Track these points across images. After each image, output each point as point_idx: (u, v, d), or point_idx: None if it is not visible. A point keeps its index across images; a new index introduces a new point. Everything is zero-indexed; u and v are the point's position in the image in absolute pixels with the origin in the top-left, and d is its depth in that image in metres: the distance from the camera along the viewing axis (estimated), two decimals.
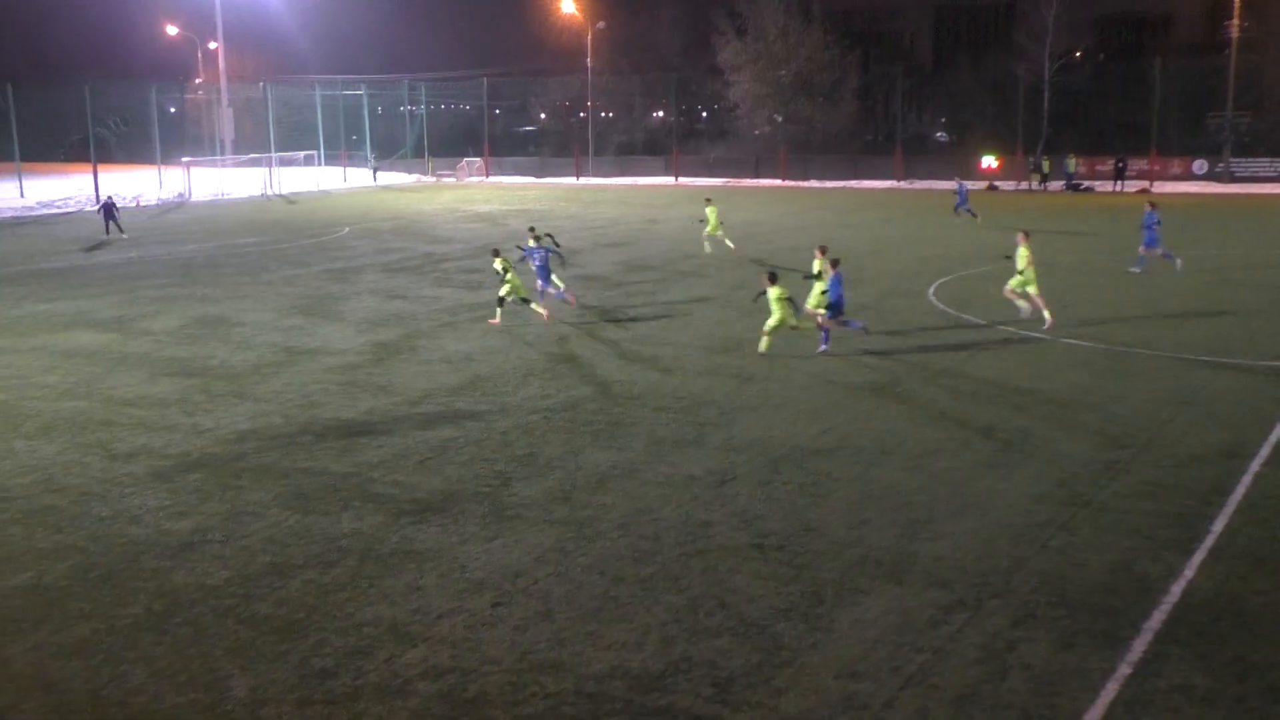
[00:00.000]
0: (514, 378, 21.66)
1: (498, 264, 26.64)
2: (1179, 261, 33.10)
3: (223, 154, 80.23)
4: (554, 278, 28.38)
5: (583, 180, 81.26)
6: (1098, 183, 70.00)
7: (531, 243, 28.13)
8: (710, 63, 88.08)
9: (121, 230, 47.88)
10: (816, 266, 24.21)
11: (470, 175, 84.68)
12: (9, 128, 68.97)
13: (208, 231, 49.50)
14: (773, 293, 22.72)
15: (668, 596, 12.04)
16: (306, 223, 52.01)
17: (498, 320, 26.50)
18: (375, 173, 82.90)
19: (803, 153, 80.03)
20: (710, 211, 39.61)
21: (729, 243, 39.26)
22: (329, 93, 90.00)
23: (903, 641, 10.99)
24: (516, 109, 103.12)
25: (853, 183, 73.70)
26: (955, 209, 50.41)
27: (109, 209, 48.75)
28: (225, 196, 69.14)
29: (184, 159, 72.60)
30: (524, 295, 26.49)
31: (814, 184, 74.08)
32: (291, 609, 11.83)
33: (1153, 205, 33.70)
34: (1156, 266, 33.41)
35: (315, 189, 74.79)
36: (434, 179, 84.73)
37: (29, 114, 74.33)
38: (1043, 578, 12.40)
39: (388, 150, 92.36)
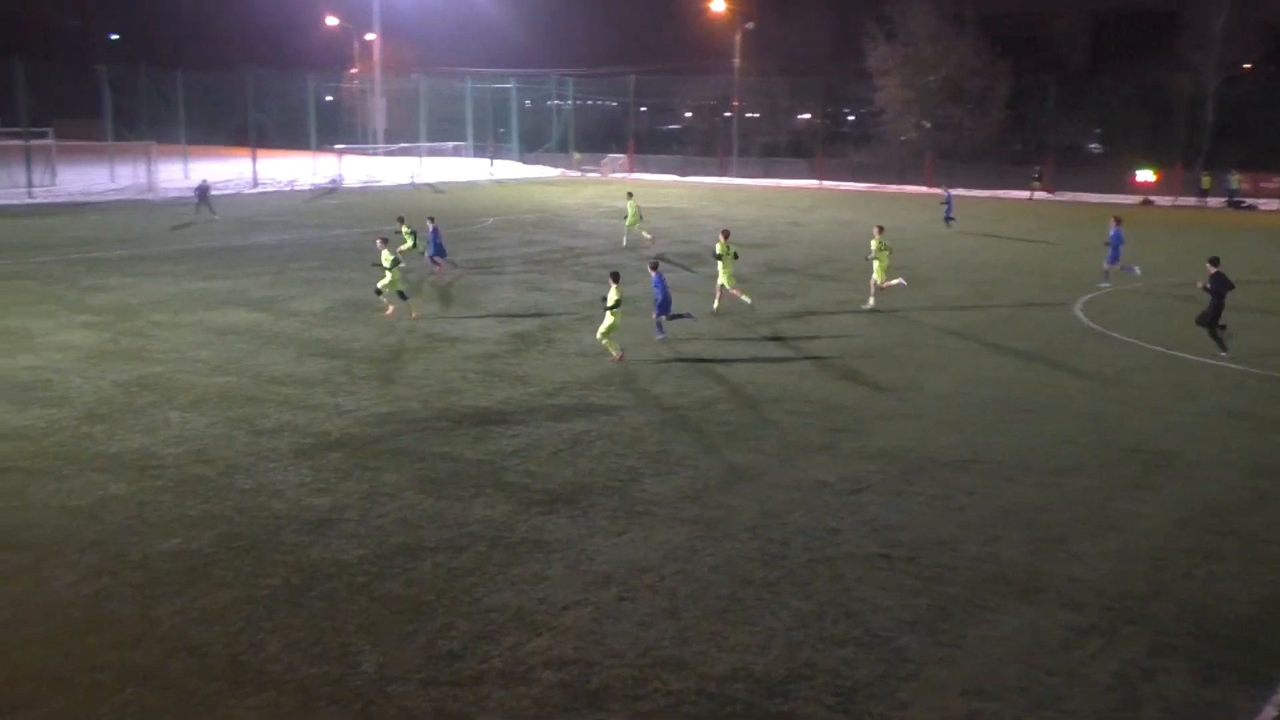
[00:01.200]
0: (648, 374, 21.75)
1: (385, 257, 26.52)
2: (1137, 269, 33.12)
3: (374, 142, 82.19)
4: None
5: (725, 180, 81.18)
6: (1261, 201, 67.34)
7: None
8: (858, 66, 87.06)
9: (213, 212, 49.45)
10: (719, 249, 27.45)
11: (614, 171, 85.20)
12: (177, 113, 71.65)
13: (356, 218, 50.74)
14: (612, 295, 22.31)
15: (794, 602, 11.98)
16: (452, 212, 52.93)
17: (390, 312, 26.95)
18: (492, 163, 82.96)
19: (949, 160, 78.72)
20: (630, 205, 42.11)
21: (645, 234, 41.58)
22: (479, 85, 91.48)
23: (1033, 663, 10.74)
24: (662, 107, 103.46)
25: (1000, 192, 72.20)
26: (945, 219, 49.36)
27: (203, 192, 50.44)
28: (375, 184, 70.80)
29: (337, 146, 74.53)
30: (400, 289, 26.78)
31: (960, 192, 72.82)
32: (421, 590, 12.08)
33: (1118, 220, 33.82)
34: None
35: (461, 179, 76.11)
36: (578, 174, 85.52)
37: (196, 100, 77.10)
38: (1183, 607, 12.00)
39: (533, 144, 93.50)
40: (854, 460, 16.72)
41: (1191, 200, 67.51)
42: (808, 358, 23.41)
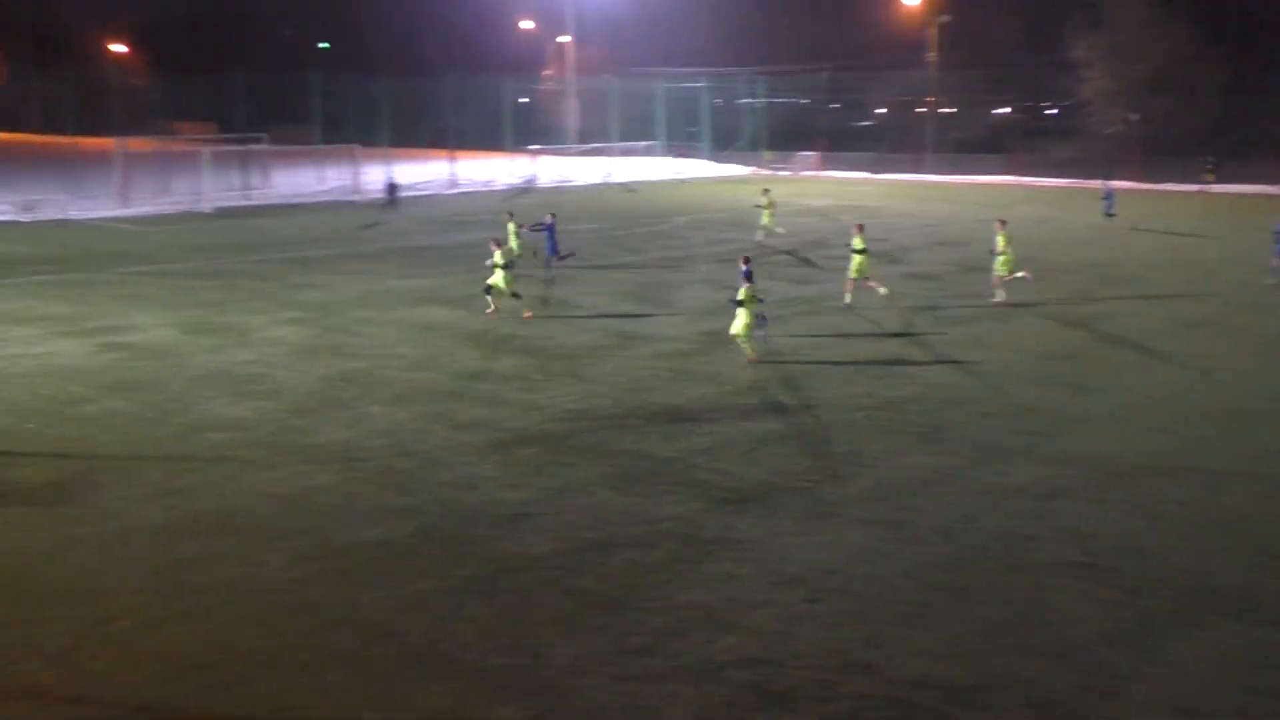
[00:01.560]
0: (839, 374, 21.52)
1: (498, 256, 26.72)
2: None
3: (568, 143, 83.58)
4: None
5: (918, 177, 79.71)
6: None
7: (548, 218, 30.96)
8: (1059, 57, 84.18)
9: (398, 211, 50.88)
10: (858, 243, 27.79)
11: (804, 169, 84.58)
12: (380, 117, 74.29)
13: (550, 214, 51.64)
14: (743, 292, 21.83)
15: (986, 609, 11.69)
16: (643, 211, 53.39)
17: (492, 312, 26.80)
18: (675, 158, 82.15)
19: (1157, 154, 75.46)
20: (766, 201, 41.86)
21: (779, 229, 41.78)
22: (670, 85, 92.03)
23: (1248, 684, 10.22)
24: (853, 103, 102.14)
25: (1213, 186, 68.93)
26: (1106, 214, 47.39)
27: (391, 190, 51.81)
28: (568, 183, 71.95)
29: (532, 146, 76.02)
30: (513, 290, 26.74)
31: (1169, 186, 69.76)
32: (611, 585, 12.22)
33: None
34: None
35: (653, 178, 76.71)
36: (768, 172, 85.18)
37: (398, 104, 79.83)
38: None
39: (724, 143, 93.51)
40: (1051, 465, 16.21)
41: None
42: (1001, 358, 22.79)
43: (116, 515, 14.14)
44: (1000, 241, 28.85)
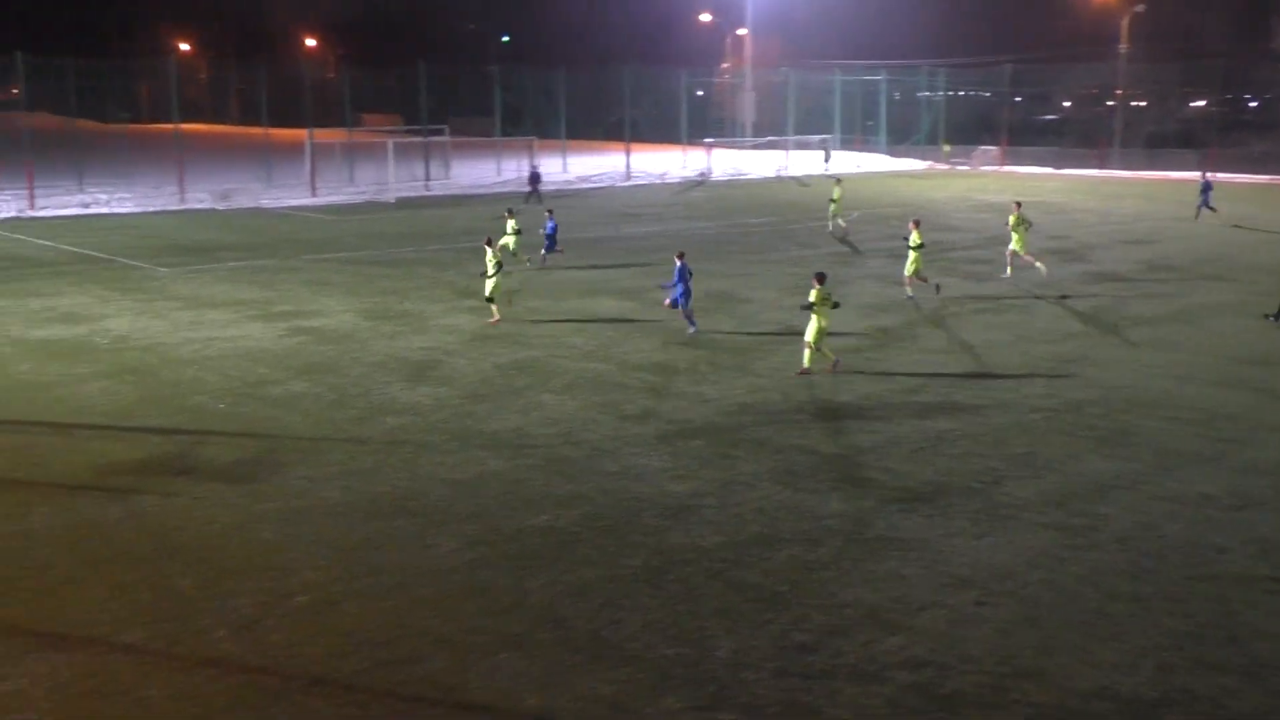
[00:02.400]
0: (1016, 374, 20.97)
1: (490, 259, 25.49)
2: None
3: (742, 136, 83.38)
4: None
5: (1105, 172, 77.05)
6: None
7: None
8: (1264, 47, 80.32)
9: (540, 200, 51.12)
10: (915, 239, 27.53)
11: (985, 164, 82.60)
12: (558, 109, 75.36)
13: (723, 210, 51.62)
14: (814, 295, 20.52)
15: (1168, 621, 11.24)
16: (816, 205, 52.91)
17: (496, 319, 25.41)
18: (828, 157, 79.22)
19: None
20: (836, 192, 42.36)
21: (842, 222, 42.14)
22: (847, 78, 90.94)
23: None
24: (1038, 96, 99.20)
25: None
26: (1200, 208, 45.37)
27: (534, 180, 52.24)
28: (742, 176, 71.79)
29: (706, 140, 76.10)
30: (491, 295, 25.30)
31: None
32: (776, 581, 12.17)
33: None
34: None
35: (827, 172, 75.98)
36: (946, 166, 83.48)
37: (575, 96, 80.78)
38: None
39: (901, 136, 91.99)
40: (1243, 474, 15.49)
41: None
42: (1190, 361, 21.87)
43: (299, 494, 14.69)
44: (1012, 220, 31.35)
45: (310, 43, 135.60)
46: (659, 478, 15.37)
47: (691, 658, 10.53)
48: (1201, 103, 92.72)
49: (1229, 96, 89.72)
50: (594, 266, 33.98)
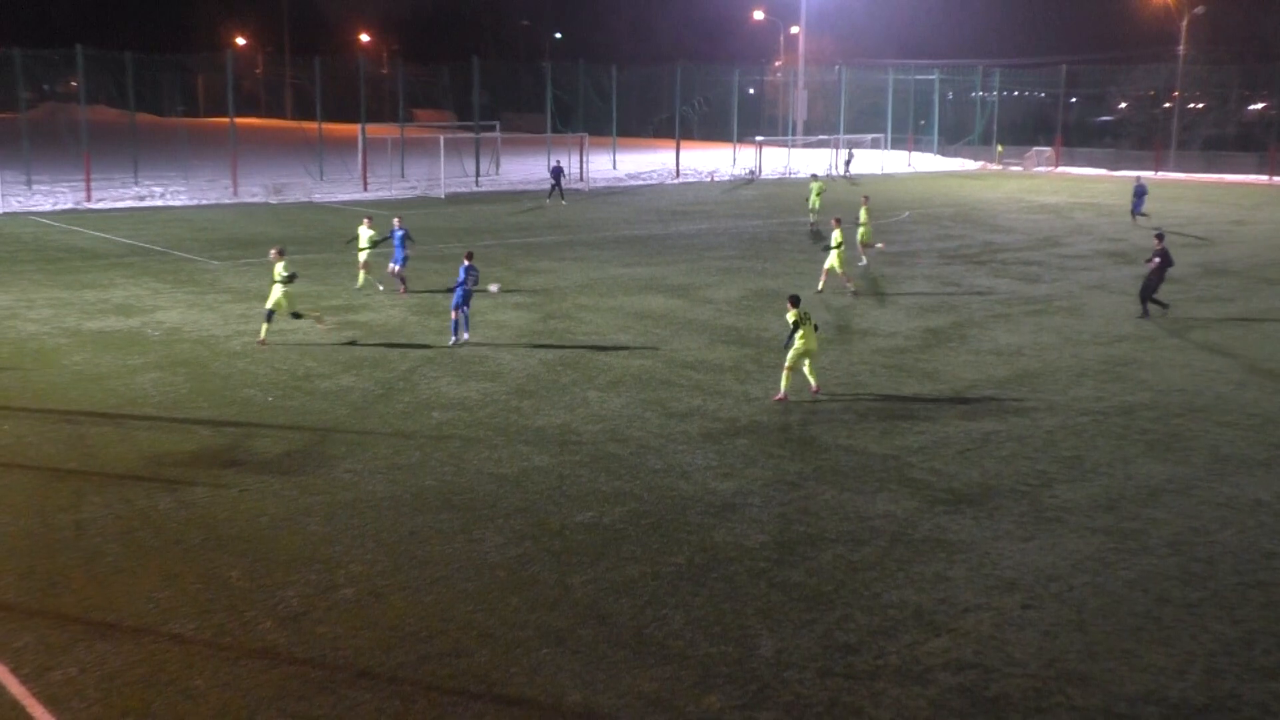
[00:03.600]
0: (1066, 376, 20.77)
1: (278, 272, 22.28)
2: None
3: (794, 134, 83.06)
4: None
5: (1161, 175, 76.08)
6: None
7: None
8: None
9: (563, 197, 51.72)
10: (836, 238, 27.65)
11: (1038, 165, 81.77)
12: (609, 106, 75.45)
13: (773, 208, 51.47)
14: (792, 316, 18.83)
15: (1218, 626, 11.10)
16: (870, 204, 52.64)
17: (262, 339, 22.90)
18: (849, 163, 74.08)
19: None
20: (815, 187, 43.43)
21: (812, 218, 42.89)
22: (901, 77, 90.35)
23: None
24: (1094, 98, 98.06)
25: None
26: (1133, 213, 45.01)
27: (557, 174, 52.65)
28: (792, 174, 71.53)
29: (757, 138, 75.87)
30: (272, 308, 22.36)
31: None
32: (820, 580, 12.13)
33: None
34: None
35: (879, 171, 75.52)
36: (999, 167, 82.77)
37: (627, 94, 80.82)
38: None
39: (954, 136, 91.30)
40: None
41: None
42: (1246, 365, 21.56)
43: (346, 487, 14.82)
44: (862, 214, 33.36)
45: (364, 38, 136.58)
46: (704, 475, 15.36)
47: (734, 656, 10.52)
48: (1260, 105, 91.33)
49: None
50: (642, 264, 33.99)
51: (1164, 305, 26.28)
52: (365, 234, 28.63)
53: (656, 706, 9.72)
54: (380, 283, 28.83)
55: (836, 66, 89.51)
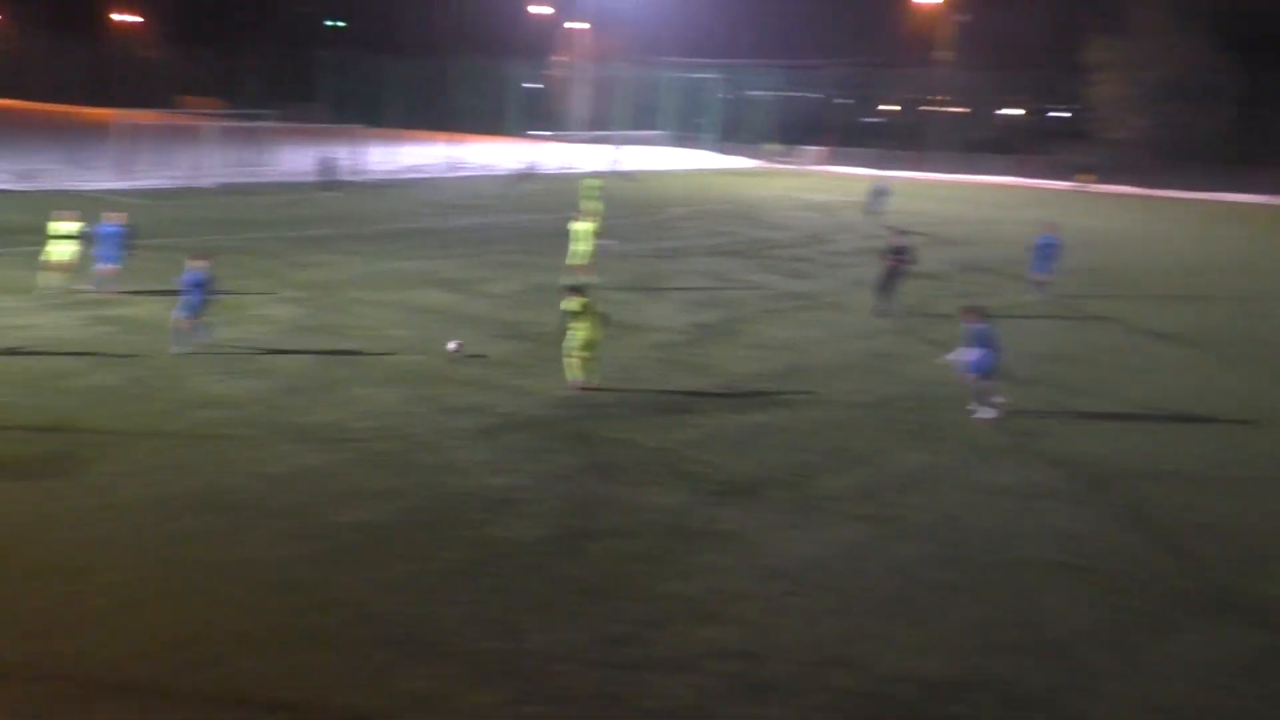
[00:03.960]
0: (830, 370, 21.51)
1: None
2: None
3: (574, 130, 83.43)
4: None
5: (924, 175, 79.63)
6: None
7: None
8: (1073, 61, 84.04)
9: (339, 189, 51.32)
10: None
11: (810, 163, 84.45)
12: (387, 97, 74.19)
13: (553, 203, 51.57)
14: (572, 304, 18.95)
15: (967, 606, 11.70)
16: (644, 201, 53.34)
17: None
18: (619, 160, 73.76)
19: (1167, 160, 75.39)
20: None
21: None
22: (679, 74, 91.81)
23: (1220, 684, 10.25)
24: (862, 99, 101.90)
25: (1221, 195, 68.91)
26: (870, 209, 47.32)
27: (332, 166, 51.94)
28: (571, 171, 71.84)
29: (536, 132, 75.88)
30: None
31: (1176, 194, 69.77)
32: (593, 573, 12.23)
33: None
34: None
35: (656, 168, 76.57)
36: (773, 165, 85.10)
37: (405, 85, 79.69)
38: None
39: (730, 134, 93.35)
40: (1039, 465, 16.22)
41: None
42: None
43: (99, 491, 14.11)
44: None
45: (130, 19, 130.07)
46: (479, 471, 15.27)
47: (505, 651, 10.51)
48: (1015, 111, 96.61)
49: (1040, 107, 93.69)
50: (419, 258, 33.54)
51: (887, 309, 26.29)
52: (63, 228, 25.84)
53: (425, 705, 9.62)
54: (91, 283, 25.79)
55: (617, 63, 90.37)
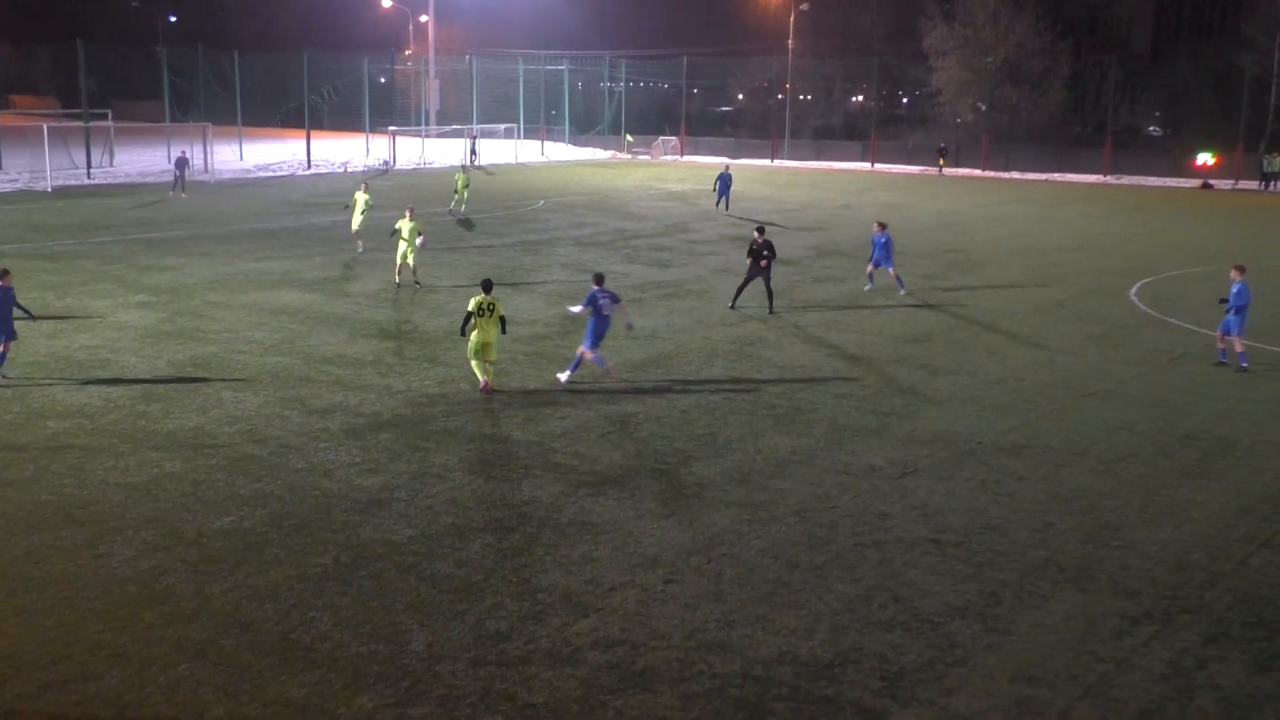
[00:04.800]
0: (698, 358, 21.71)
1: None
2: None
3: (427, 124, 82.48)
4: None
5: (777, 163, 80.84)
6: None
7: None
8: (914, 47, 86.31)
9: (184, 190, 49.59)
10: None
11: (665, 154, 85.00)
12: (233, 94, 72.30)
13: (410, 198, 50.87)
14: (472, 303, 18.45)
15: (841, 586, 11.93)
16: (503, 194, 53.07)
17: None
18: (474, 150, 73.74)
19: (1006, 143, 77.92)
20: (460, 179, 45.40)
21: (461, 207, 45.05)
22: (531, 67, 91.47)
23: (1084, 650, 10.64)
24: (714, 89, 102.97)
25: (1057, 175, 71.39)
26: (718, 203, 46.84)
27: (181, 165, 50.65)
28: (427, 165, 71.02)
29: (390, 128, 74.81)
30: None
31: (1015, 175, 72.06)
32: (470, 570, 12.14)
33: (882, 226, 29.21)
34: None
35: (513, 161, 76.20)
36: (629, 156, 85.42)
37: (251, 82, 77.66)
38: (1239, 595, 11.84)
39: (585, 126, 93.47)
40: (904, 444, 16.62)
41: (1254, 185, 66.37)
42: (860, 341, 23.25)
43: None
44: (363, 200, 33.23)
45: None
46: (348, 473, 15.04)
47: (385, 654, 10.37)
48: (861, 98, 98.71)
49: (885, 93, 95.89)
50: (275, 258, 32.83)
51: (734, 303, 26.32)
52: None
53: (305, 713, 9.44)
54: None
55: (467, 56, 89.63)
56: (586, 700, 9.70)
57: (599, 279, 19.81)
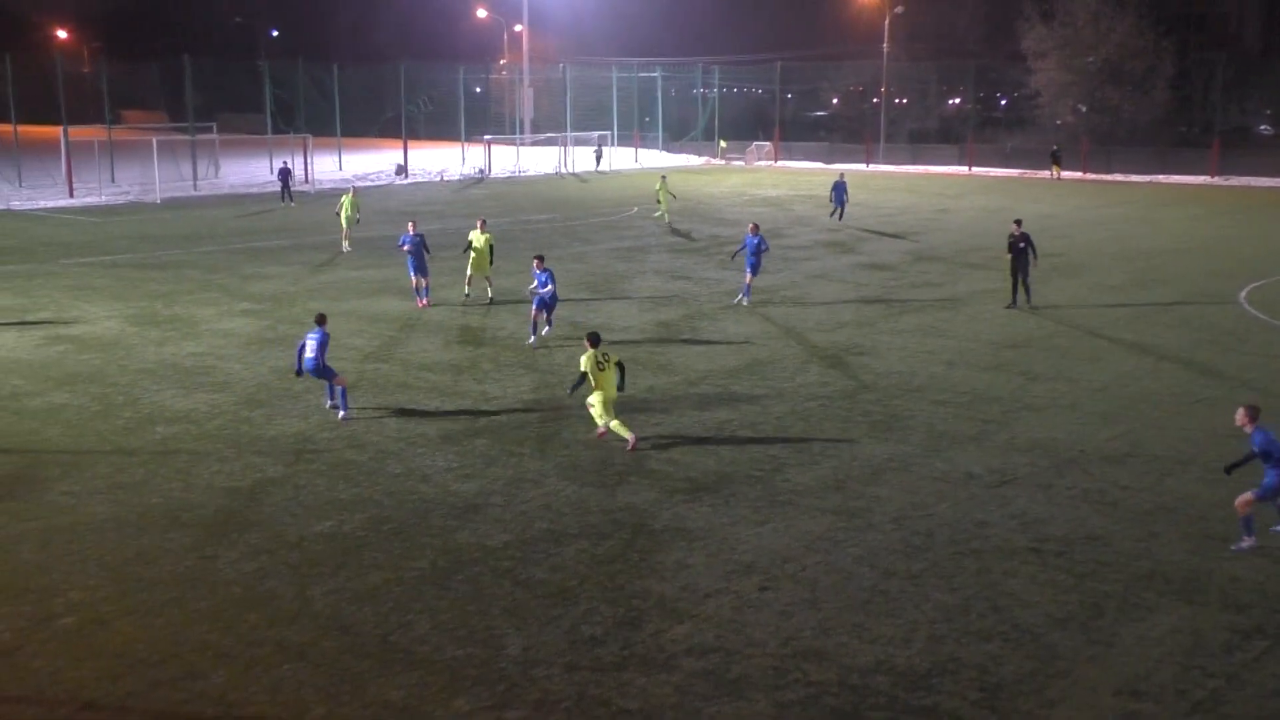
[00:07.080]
0: (792, 364, 21.59)
1: None
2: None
3: (521, 133, 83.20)
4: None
5: (872, 167, 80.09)
6: None
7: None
8: (1012, 49, 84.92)
9: (292, 200, 51.29)
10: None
11: (759, 159, 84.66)
12: (332, 106, 73.60)
13: (504, 207, 51.42)
14: (585, 361, 16.55)
15: (938, 595, 11.78)
16: (597, 201, 53.30)
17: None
18: (600, 157, 77.78)
19: (1107, 144, 76.30)
20: (661, 189, 44.95)
21: (665, 216, 44.61)
22: (624, 74, 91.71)
23: (1191, 664, 10.37)
24: (808, 93, 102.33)
25: (1161, 177, 69.73)
26: (833, 213, 44.51)
27: (285, 176, 52.19)
28: (522, 173, 71.63)
29: (485, 136, 75.55)
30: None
31: (1118, 177, 70.50)
32: (565, 576, 12.21)
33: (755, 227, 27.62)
34: None
35: (607, 168, 76.51)
36: (723, 162, 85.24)
37: (349, 93, 78.92)
38: None
39: (678, 132, 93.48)
40: (1003, 452, 16.35)
41: None
42: (956, 347, 22.95)
43: (63, 510, 13.95)
44: (348, 201, 36.22)
45: (61, 34, 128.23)
46: (445, 478, 15.22)
47: (481, 657, 10.47)
48: (957, 101, 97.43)
49: (982, 95, 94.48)
50: (374, 266, 33.35)
51: (1013, 302, 26.87)
52: None
53: (404, 714, 9.57)
54: None
55: (561, 65, 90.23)
56: (681, 707, 9.69)
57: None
